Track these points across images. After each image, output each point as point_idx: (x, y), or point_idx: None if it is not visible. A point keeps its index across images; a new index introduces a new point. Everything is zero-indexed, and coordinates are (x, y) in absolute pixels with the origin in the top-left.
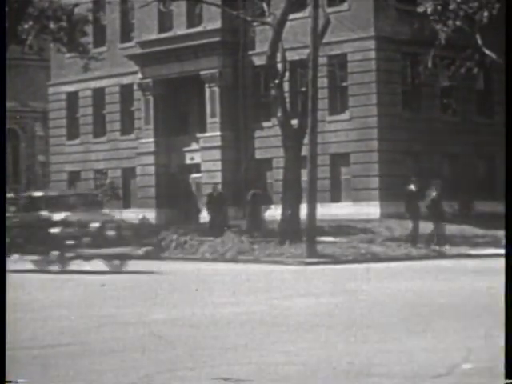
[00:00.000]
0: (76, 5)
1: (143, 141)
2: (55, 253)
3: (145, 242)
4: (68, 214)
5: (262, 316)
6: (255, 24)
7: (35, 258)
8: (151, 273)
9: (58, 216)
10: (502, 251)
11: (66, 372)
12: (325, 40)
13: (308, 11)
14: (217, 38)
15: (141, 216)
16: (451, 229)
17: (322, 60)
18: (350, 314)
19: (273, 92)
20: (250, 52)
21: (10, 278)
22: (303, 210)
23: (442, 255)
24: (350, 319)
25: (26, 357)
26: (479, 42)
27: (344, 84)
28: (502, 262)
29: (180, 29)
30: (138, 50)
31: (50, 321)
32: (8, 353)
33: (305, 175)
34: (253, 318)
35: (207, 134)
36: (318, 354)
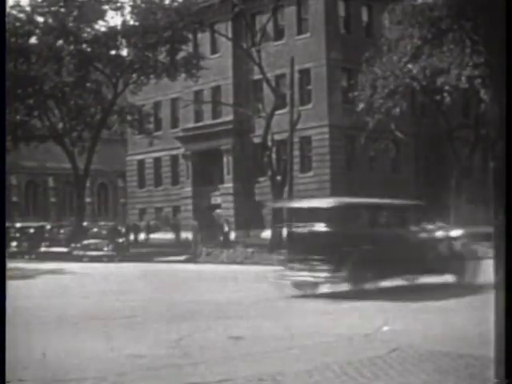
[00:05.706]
0: (143, 105)
1: (185, 189)
2: None
3: (186, 252)
4: None
5: None
6: (255, 117)
7: None
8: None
9: None
10: None
11: None
12: (298, 127)
13: (287, 109)
14: (230, 126)
15: (184, 236)
16: None
17: (296, 139)
18: None
19: (265, 159)
20: (251, 134)
21: None
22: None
23: None
24: None
25: None
26: (393, 127)
27: (309, 154)
28: None
29: (207, 120)
30: (182, 133)
31: None
32: None
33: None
34: None
35: (225, 185)
36: None
